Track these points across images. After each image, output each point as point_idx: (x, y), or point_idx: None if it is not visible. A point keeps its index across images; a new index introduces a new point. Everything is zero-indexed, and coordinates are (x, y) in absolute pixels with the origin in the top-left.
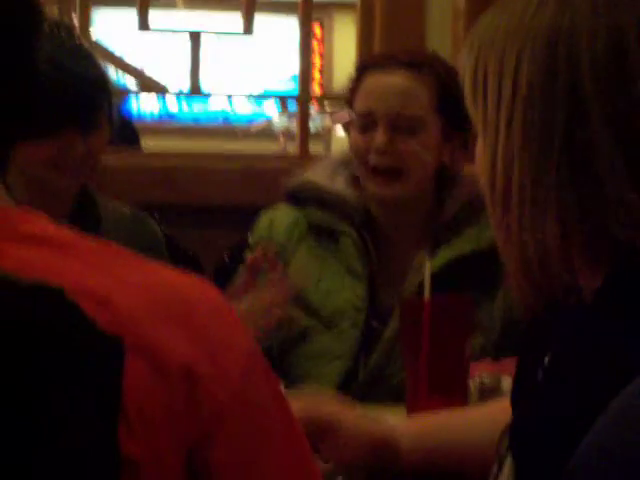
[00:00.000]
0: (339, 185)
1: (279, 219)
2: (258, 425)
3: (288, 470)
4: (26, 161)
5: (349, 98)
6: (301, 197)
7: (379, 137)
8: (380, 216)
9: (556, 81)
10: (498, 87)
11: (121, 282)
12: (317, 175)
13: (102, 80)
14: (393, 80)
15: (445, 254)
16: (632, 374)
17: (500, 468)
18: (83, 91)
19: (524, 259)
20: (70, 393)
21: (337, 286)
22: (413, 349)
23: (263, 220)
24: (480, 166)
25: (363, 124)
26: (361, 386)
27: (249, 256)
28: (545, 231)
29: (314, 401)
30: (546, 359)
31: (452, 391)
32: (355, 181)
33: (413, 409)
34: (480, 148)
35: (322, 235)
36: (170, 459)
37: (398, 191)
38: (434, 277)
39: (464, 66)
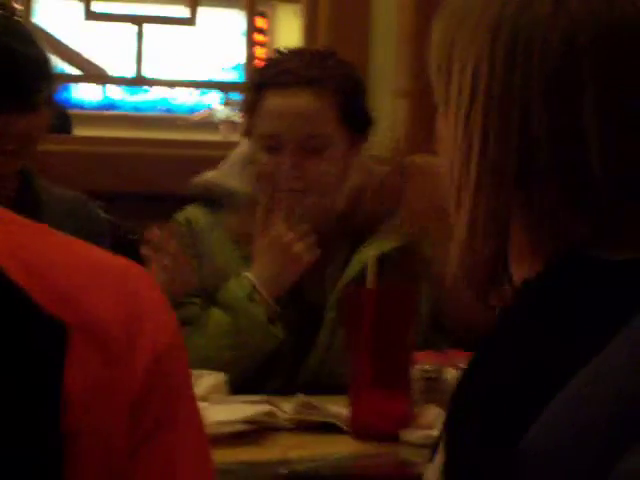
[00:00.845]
0: (249, 185)
1: (197, 225)
2: (172, 401)
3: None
4: None
5: (247, 114)
6: (212, 200)
7: (287, 161)
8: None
9: (513, 74)
10: (463, 71)
11: (52, 260)
12: (225, 175)
13: (42, 61)
14: (297, 103)
15: (365, 254)
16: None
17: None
18: (22, 71)
19: (471, 234)
20: (12, 371)
21: None
22: (356, 339)
23: (181, 227)
24: (440, 142)
25: (268, 145)
26: (307, 376)
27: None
28: (497, 211)
29: None
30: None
31: (396, 380)
32: None
33: (356, 399)
34: (441, 123)
35: (241, 239)
36: (111, 428)
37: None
38: (356, 279)
39: (432, 41)
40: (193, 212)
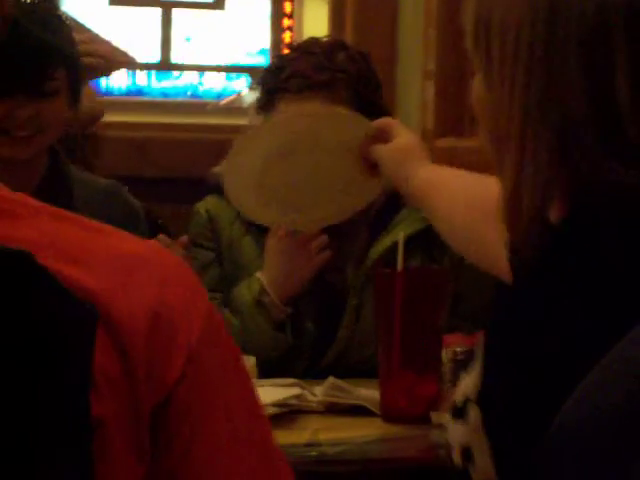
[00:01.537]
0: None
1: (217, 215)
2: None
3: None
4: None
5: (262, 114)
6: None
7: None
8: None
9: (554, 37)
10: (502, 40)
11: (82, 249)
12: None
13: (59, 49)
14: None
15: (386, 240)
16: None
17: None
18: (34, 55)
19: (516, 185)
20: (45, 359)
21: None
22: (386, 321)
23: (201, 214)
24: (479, 104)
25: None
26: (330, 361)
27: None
28: (539, 160)
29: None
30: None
31: (426, 363)
32: None
33: (386, 382)
34: (480, 87)
35: (262, 230)
36: (136, 416)
37: None
38: (382, 260)
39: (467, 12)
40: (213, 203)
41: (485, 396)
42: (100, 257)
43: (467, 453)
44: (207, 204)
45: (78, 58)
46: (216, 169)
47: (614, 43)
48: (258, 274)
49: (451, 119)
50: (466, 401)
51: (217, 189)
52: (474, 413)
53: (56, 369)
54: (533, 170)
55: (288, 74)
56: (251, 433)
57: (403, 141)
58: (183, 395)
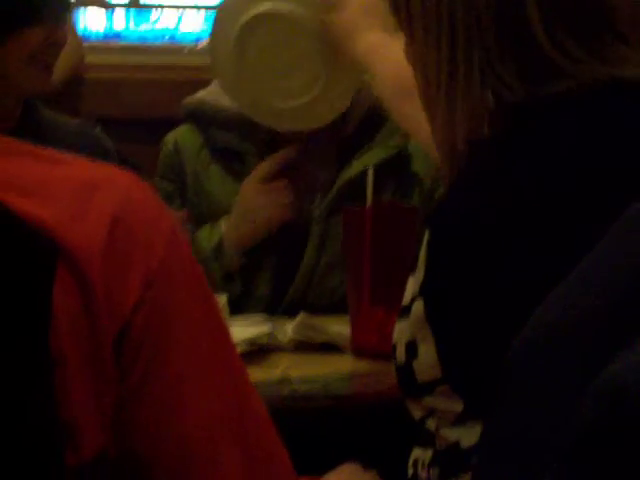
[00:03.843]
0: None
1: (184, 145)
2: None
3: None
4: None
5: None
6: (201, 118)
7: None
8: (283, 133)
9: None
10: None
11: (36, 182)
12: (214, 93)
13: None
14: None
15: (357, 165)
16: None
17: None
18: None
19: (451, 116)
20: (3, 294)
21: None
22: (355, 258)
23: (168, 146)
24: (411, 58)
25: None
26: (297, 289)
27: None
28: (471, 91)
29: None
30: None
31: (396, 299)
32: None
33: (357, 318)
34: (408, 44)
35: (228, 157)
36: (97, 348)
37: None
38: (348, 189)
39: None
40: (182, 132)
41: (428, 289)
42: (55, 188)
43: (411, 348)
44: (176, 134)
45: None
46: (188, 99)
47: None
48: (222, 221)
49: None
50: (412, 299)
51: (189, 118)
52: (418, 306)
53: (14, 305)
54: (461, 102)
55: None
56: (219, 363)
57: (353, 8)
58: (141, 322)
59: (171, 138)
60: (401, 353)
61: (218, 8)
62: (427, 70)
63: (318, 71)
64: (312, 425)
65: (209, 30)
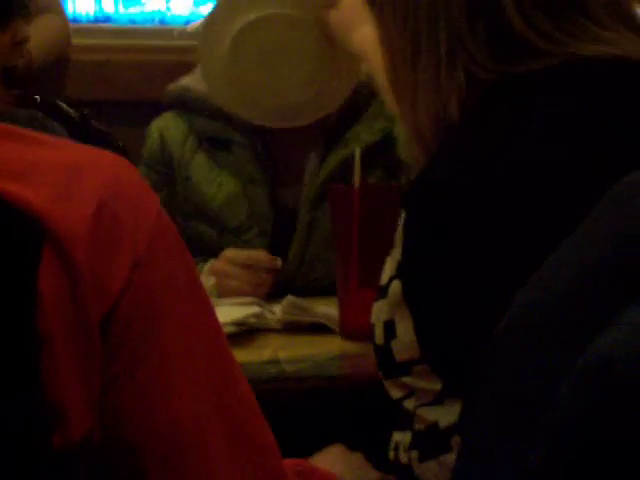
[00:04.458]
0: None
1: (169, 132)
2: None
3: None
4: None
5: None
6: (186, 105)
7: None
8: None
9: None
10: None
11: (21, 163)
12: (198, 81)
13: None
14: None
15: (343, 151)
16: None
17: None
18: None
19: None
20: None
21: (239, 197)
22: (343, 239)
23: (153, 135)
24: (375, 52)
25: None
26: (285, 275)
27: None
28: (437, 68)
29: None
30: None
31: None
32: None
33: (345, 299)
34: (377, 27)
35: (214, 145)
36: (84, 329)
37: None
38: (335, 175)
39: None
40: (167, 120)
41: (405, 269)
42: (41, 170)
43: (389, 328)
44: (160, 122)
45: None
46: (171, 86)
47: None
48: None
49: None
50: (390, 279)
51: (174, 105)
52: (396, 285)
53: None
54: (431, 87)
55: None
56: (207, 346)
57: (347, 4)
58: (129, 304)
59: (156, 128)
60: (380, 333)
61: (209, 13)
62: (393, 52)
63: (315, 70)
64: (301, 406)
65: (198, 13)
